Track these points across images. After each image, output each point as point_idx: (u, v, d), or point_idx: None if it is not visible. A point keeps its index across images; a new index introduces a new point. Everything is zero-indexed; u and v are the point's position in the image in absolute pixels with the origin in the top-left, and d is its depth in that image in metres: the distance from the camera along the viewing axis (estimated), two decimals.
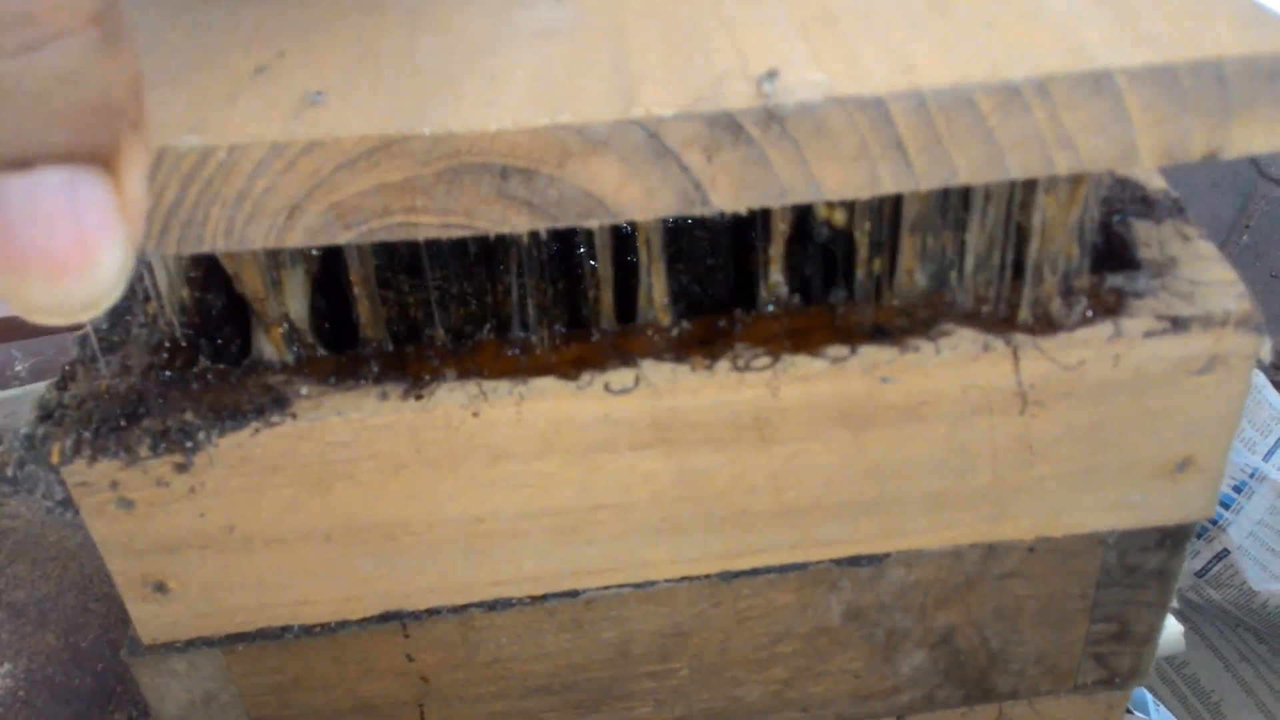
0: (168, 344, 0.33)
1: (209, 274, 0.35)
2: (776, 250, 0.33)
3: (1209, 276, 0.32)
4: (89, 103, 0.18)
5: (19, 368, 1.05)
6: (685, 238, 0.61)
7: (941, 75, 0.25)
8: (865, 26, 0.28)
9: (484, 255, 0.52)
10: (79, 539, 0.97)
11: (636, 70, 0.27)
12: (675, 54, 0.27)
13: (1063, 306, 0.31)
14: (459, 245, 0.43)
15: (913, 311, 0.32)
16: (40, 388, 1.00)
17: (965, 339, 0.31)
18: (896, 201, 0.32)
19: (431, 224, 0.26)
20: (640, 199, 0.26)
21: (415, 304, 0.56)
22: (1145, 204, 0.34)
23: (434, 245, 0.43)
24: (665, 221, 0.31)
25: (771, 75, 0.26)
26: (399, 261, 0.55)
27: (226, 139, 0.25)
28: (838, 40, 0.27)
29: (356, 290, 0.32)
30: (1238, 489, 1.06)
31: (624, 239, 0.34)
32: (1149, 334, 0.30)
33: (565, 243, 0.41)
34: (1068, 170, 0.27)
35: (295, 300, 0.33)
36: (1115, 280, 0.32)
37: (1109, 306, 0.31)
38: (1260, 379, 1.18)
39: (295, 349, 0.32)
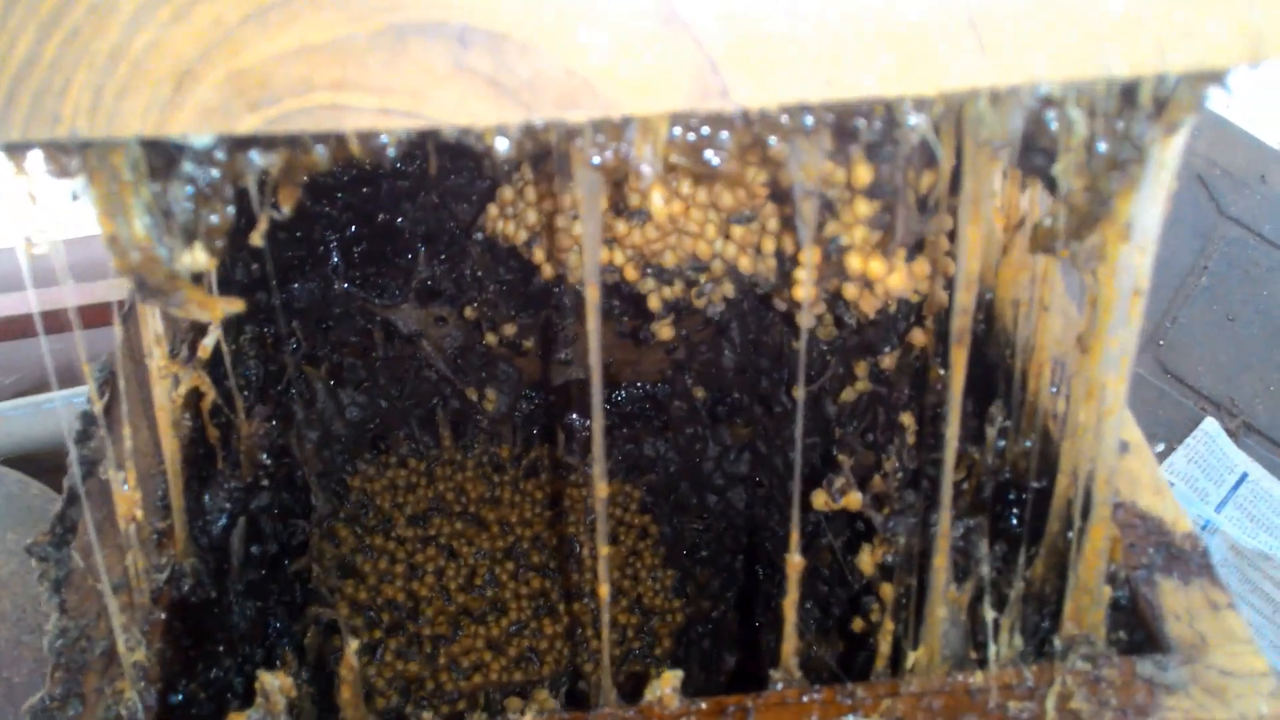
0: None
1: (172, 614, 0.32)
2: (790, 611, 0.31)
3: (1241, 666, 0.30)
4: None
5: None
6: (664, 411, 0.59)
7: None
8: None
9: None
10: (12, 566, 0.92)
11: None
12: None
13: (1092, 704, 0.29)
14: None
15: (932, 704, 0.30)
16: (13, 406, 0.94)
17: None
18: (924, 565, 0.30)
19: (366, 108, 0.20)
20: (640, 84, 0.20)
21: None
22: (1171, 556, 0.32)
23: None
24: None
25: None
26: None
27: None
28: None
29: (342, 672, 0.30)
30: None
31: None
32: None
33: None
34: (1183, 69, 0.21)
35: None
36: (1145, 669, 0.30)
37: (1140, 706, 0.29)
38: (1215, 428, 1.19)
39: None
